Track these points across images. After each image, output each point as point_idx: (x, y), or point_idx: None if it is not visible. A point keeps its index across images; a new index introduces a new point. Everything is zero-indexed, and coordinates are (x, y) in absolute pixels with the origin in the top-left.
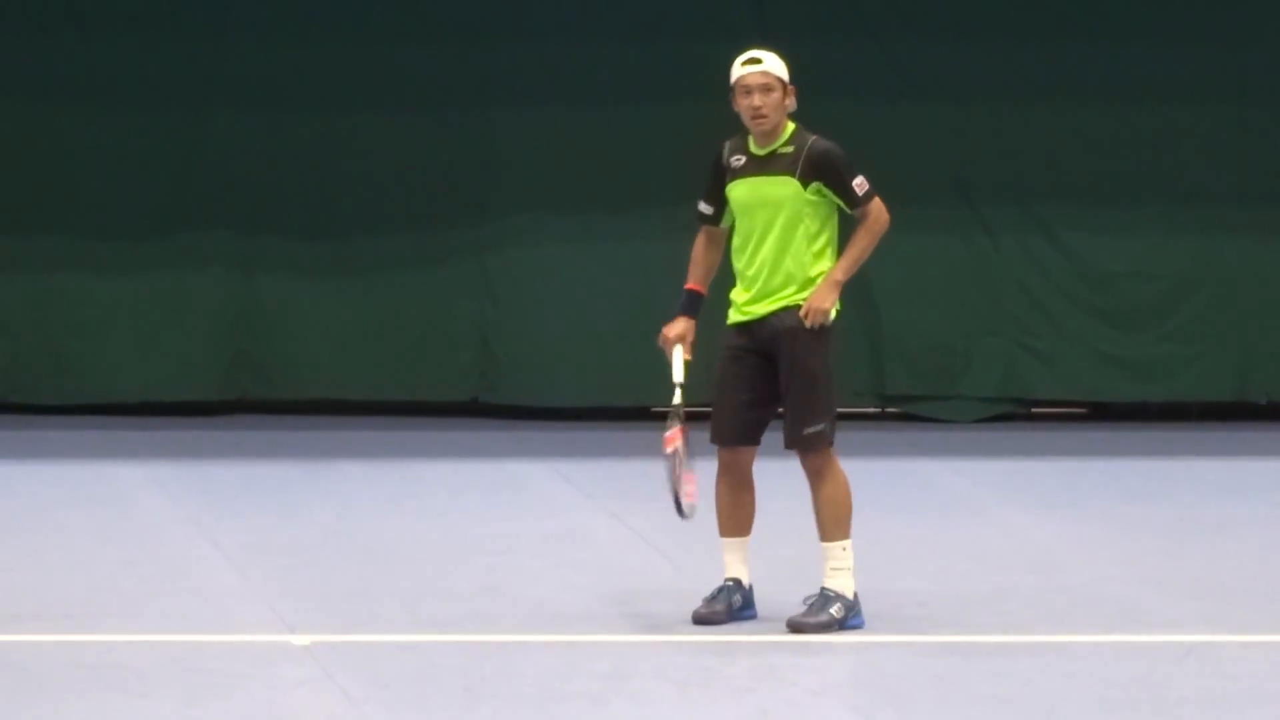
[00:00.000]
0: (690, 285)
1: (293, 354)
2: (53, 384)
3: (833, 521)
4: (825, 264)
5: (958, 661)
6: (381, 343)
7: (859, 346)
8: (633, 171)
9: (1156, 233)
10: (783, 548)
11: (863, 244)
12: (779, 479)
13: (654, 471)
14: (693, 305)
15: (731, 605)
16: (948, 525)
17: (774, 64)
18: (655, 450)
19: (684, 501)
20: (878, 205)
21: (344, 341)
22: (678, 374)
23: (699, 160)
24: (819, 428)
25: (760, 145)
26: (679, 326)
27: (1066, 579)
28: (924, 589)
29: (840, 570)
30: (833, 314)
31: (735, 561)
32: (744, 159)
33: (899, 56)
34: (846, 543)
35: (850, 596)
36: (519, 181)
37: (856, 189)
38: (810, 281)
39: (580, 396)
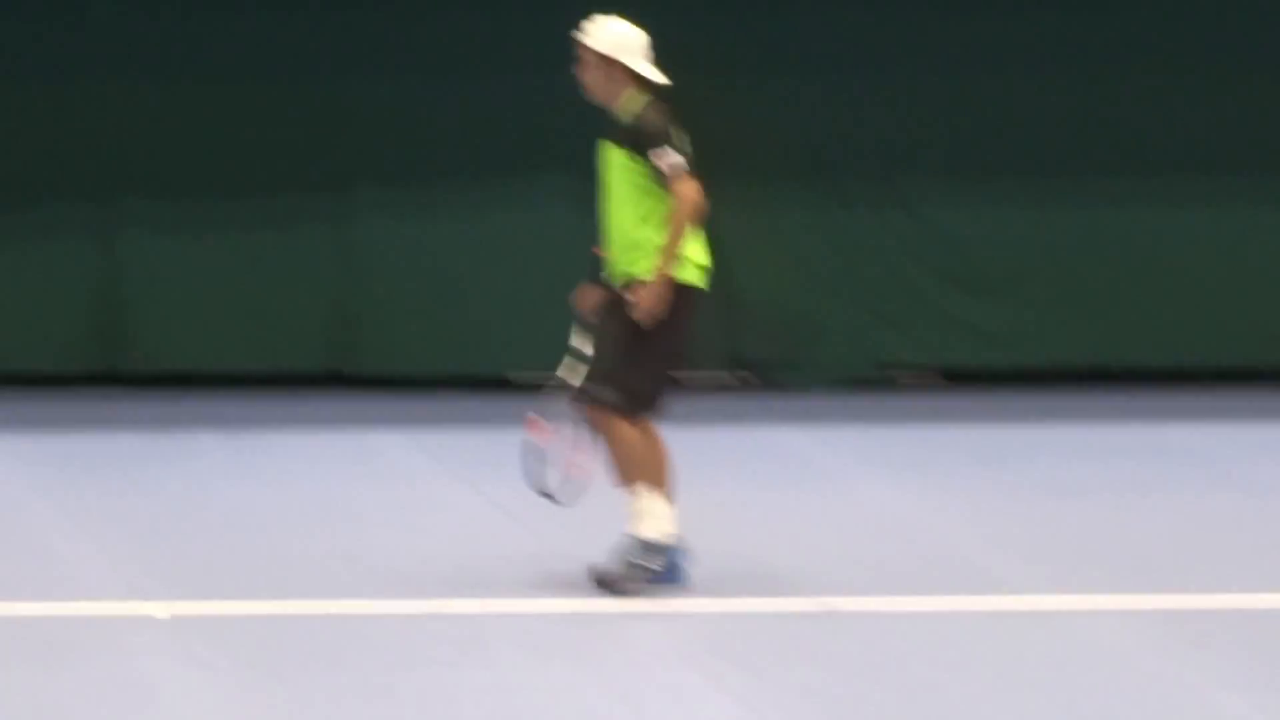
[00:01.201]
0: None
1: (150, 326)
2: None
3: (625, 470)
4: (650, 231)
5: (809, 626)
6: (238, 314)
7: (714, 313)
8: (490, 142)
9: (1011, 201)
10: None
11: (670, 235)
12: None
13: (509, 440)
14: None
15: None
16: (802, 491)
17: (593, 36)
18: (510, 420)
19: (559, 485)
20: (684, 189)
21: (200, 313)
22: (574, 338)
23: (553, 130)
24: (601, 391)
25: (615, 112)
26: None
27: (919, 544)
28: (777, 554)
29: (644, 515)
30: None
31: None
32: (612, 125)
33: (754, 28)
34: (646, 489)
35: (657, 538)
36: (377, 151)
37: (662, 166)
38: (635, 246)
39: (437, 366)
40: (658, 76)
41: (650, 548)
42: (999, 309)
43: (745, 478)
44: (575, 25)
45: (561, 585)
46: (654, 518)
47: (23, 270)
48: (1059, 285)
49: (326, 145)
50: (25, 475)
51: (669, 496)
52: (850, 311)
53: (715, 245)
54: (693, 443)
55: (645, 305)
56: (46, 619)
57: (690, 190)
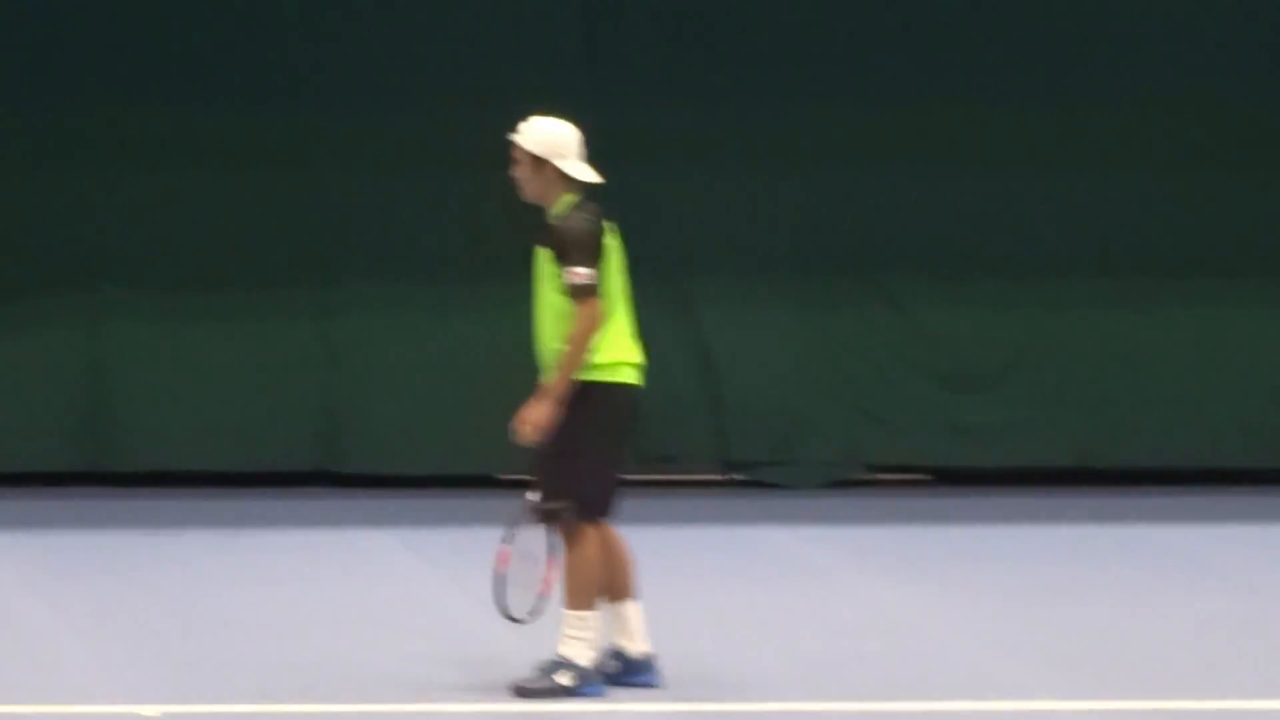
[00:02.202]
0: None
1: (138, 424)
2: None
3: (572, 590)
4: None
5: None
6: (225, 412)
7: (701, 412)
8: (478, 240)
9: (995, 299)
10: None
11: (566, 353)
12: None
13: (497, 538)
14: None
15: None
16: (792, 592)
17: (526, 135)
18: (498, 519)
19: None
20: (583, 308)
21: (188, 411)
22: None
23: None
24: (554, 506)
25: (547, 213)
26: None
27: (912, 646)
28: (769, 657)
29: (575, 639)
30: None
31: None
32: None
33: (740, 123)
34: (585, 614)
35: (584, 665)
36: (364, 247)
37: (568, 276)
38: (560, 352)
39: (423, 465)
40: (590, 176)
41: (585, 674)
42: (985, 408)
43: (733, 577)
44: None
45: None
46: (582, 643)
47: (8, 366)
48: (1045, 384)
49: (313, 239)
50: (13, 574)
51: (630, 597)
52: (837, 410)
53: (697, 343)
54: (681, 542)
55: (527, 421)
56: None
57: (587, 312)
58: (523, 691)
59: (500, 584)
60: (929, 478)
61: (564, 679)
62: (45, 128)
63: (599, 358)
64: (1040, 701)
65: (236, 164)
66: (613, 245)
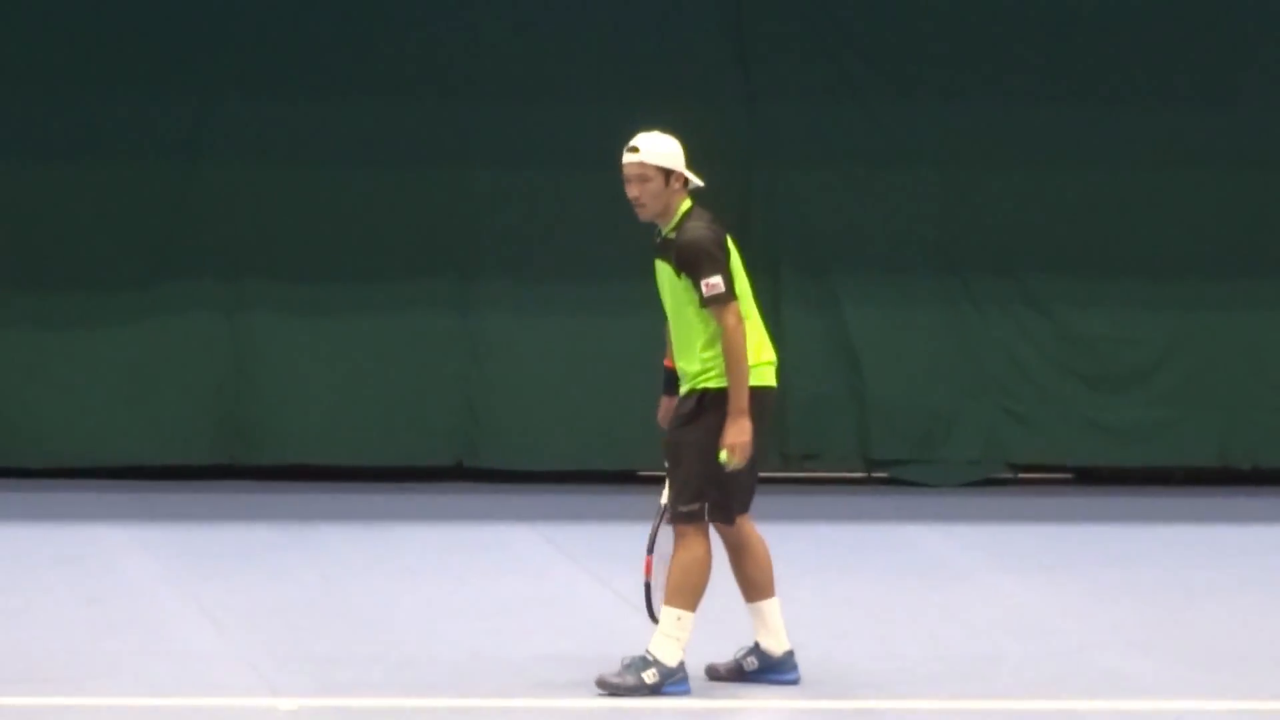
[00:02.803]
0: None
1: (278, 418)
2: (33, 447)
3: (675, 587)
4: (714, 351)
5: None
6: (366, 406)
7: (843, 411)
8: (617, 237)
9: (1139, 299)
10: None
11: (730, 366)
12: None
13: (638, 534)
14: (668, 384)
15: (742, 666)
16: (933, 590)
17: (651, 151)
18: (639, 514)
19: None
20: (726, 316)
21: (328, 405)
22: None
23: None
24: (692, 507)
25: (662, 228)
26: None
27: (1052, 645)
28: (909, 654)
29: (668, 637)
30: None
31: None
32: (659, 239)
33: (885, 122)
34: (683, 614)
35: (671, 665)
36: (503, 244)
37: (703, 288)
38: (702, 362)
39: (564, 460)
40: (699, 181)
41: (671, 673)
42: (1127, 407)
43: (876, 575)
44: (706, 122)
45: (691, 681)
46: (674, 642)
47: (148, 361)
48: (1188, 384)
49: (455, 235)
50: (154, 567)
51: (770, 595)
52: (979, 409)
53: (845, 342)
54: (822, 539)
55: (730, 444)
56: (176, 711)
57: (732, 318)
58: (606, 685)
59: (649, 592)
60: (1071, 477)
61: (649, 677)
62: (188, 122)
63: None
64: (1180, 701)
65: (379, 158)
66: (732, 246)
